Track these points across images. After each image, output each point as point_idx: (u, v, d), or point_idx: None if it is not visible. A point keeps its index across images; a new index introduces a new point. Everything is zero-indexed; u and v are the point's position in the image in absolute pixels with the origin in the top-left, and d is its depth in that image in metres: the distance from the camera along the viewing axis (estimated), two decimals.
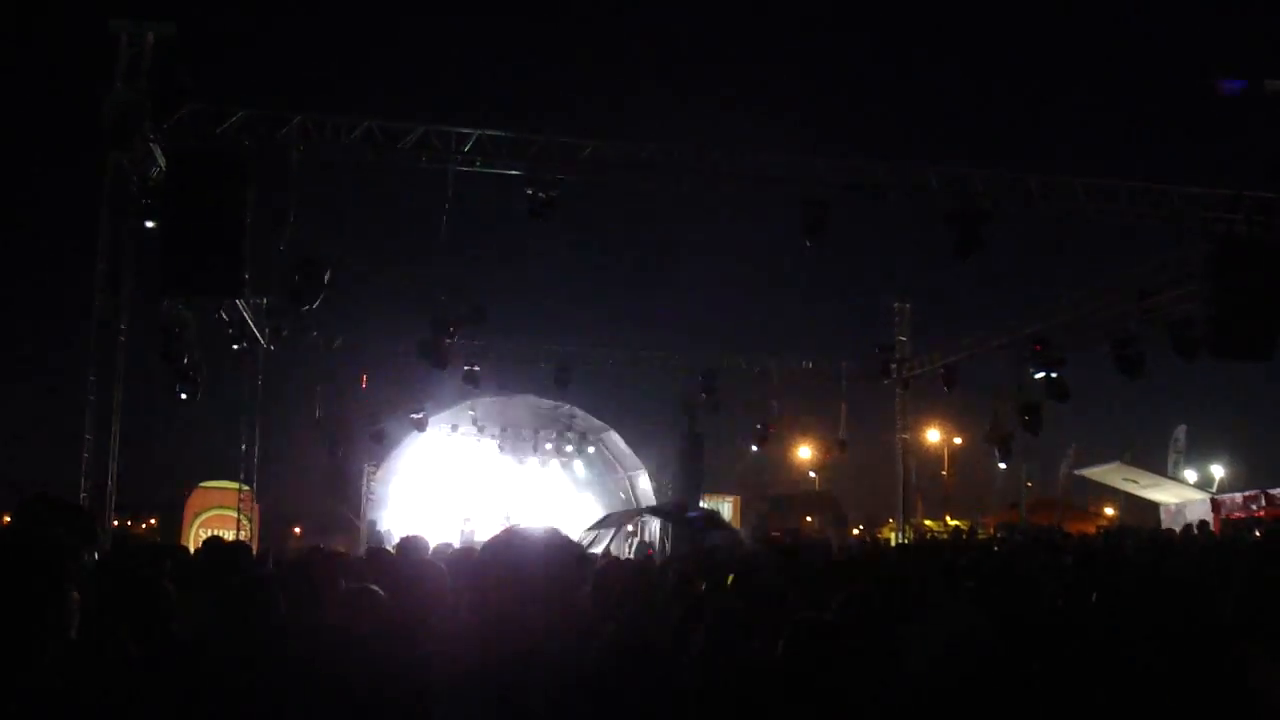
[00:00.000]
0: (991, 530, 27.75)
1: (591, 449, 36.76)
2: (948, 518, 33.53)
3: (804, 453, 37.59)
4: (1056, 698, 3.78)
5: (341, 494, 29.65)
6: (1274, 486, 24.33)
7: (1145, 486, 28.72)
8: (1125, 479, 29.01)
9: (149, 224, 15.37)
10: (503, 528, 3.66)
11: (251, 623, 4.70)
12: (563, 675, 4.12)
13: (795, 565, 9.75)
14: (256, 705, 4.18)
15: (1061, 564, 11.31)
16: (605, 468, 37.55)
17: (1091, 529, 26.26)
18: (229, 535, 20.63)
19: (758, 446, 31.38)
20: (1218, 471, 32.77)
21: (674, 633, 5.78)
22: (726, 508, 34.73)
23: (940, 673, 4.18)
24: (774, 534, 27.48)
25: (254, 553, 13.09)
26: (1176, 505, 27.80)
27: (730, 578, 7.92)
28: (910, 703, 4.10)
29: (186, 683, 4.07)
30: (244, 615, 4.76)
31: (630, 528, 30.25)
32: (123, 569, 5.72)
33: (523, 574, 3.21)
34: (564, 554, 3.36)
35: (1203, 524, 21.79)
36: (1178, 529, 22.11)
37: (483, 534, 32.99)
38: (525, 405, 34.53)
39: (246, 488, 25.04)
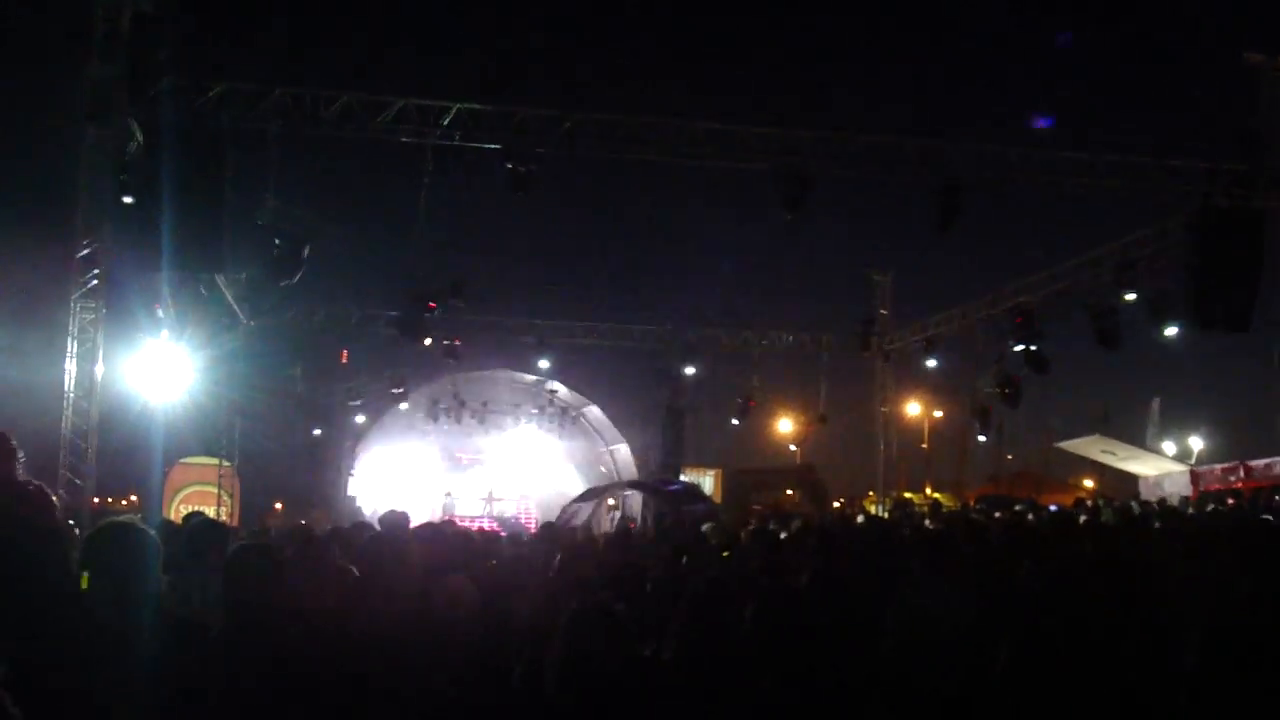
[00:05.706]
0: (972, 502, 27.87)
1: (573, 423, 36.77)
2: (928, 490, 33.63)
3: (785, 426, 37.67)
4: (1030, 676, 3.82)
5: (321, 469, 29.59)
6: (1253, 458, 24.44)
7: (1123, 459, 28.83)
8: (1103, 451, 29.10)
9: (127, 200, 15.25)
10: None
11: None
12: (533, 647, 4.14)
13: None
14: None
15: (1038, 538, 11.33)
16: (586, 441, 37.56)
17: (1069, 501, 26.39)
18: (210, 511, 20.58)
19: (739, 420, 31.37)
20: (1196, 444, 32.94)
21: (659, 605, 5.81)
22: (708, 481, 34.77)
23: (914, 648, 4.21)
24: (755, 507, 27.58)
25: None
26: (1155, 477, 27.90)
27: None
28: (882, 677, 4.13)
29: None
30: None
31: (611, 501, 30.31)
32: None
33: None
34: None
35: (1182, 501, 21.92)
36: (1155, 501, 22.22)
37: (464, 508, 33.13)
38: (506, 380, 34.52)
39: (227, 464, 25.01)
